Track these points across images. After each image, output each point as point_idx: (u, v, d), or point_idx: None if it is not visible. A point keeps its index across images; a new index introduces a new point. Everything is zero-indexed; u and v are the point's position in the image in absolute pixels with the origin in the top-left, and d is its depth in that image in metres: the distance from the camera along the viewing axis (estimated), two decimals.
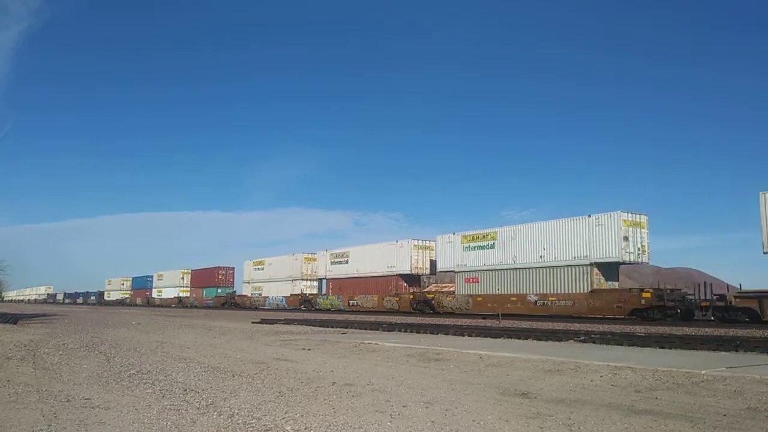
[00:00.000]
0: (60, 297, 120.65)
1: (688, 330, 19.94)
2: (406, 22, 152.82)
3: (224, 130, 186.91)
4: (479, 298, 33.79)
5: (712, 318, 24.17)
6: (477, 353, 12.27)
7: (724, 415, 6.25)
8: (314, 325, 25.36)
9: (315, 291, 49.60)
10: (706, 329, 20.12)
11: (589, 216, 29.00)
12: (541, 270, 30.21)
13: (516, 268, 31.67)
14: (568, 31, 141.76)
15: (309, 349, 14.05)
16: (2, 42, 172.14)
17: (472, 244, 34.75)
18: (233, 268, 64.36)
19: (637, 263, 29.41)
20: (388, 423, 6.02)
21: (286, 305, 50.48)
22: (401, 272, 39.50)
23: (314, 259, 49.59)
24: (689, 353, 12.80)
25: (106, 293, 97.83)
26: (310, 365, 10.93)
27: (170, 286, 73.36)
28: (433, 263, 39.15)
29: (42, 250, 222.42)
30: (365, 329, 22.69)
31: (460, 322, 26.24)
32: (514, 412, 6.50)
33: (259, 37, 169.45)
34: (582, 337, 16.81)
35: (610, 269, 28.85)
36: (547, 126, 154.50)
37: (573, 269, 28.83)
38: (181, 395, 7.68)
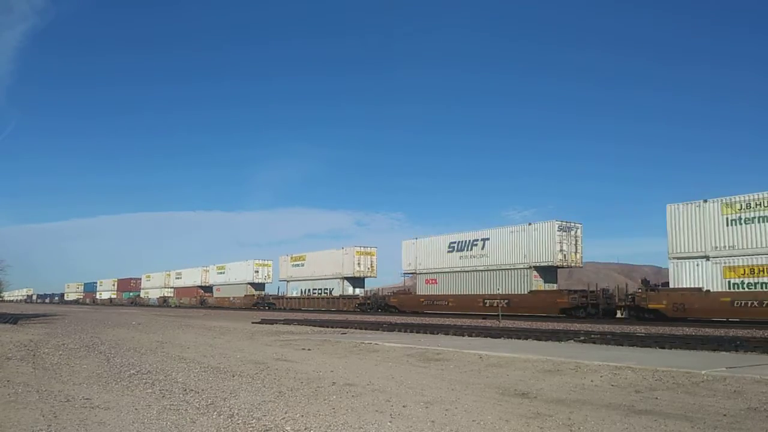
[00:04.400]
0: (34, 298, 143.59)
1: (688, 330, 19.94)
2: (408, 23, 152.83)
3: (226, 130, 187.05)
4: (216, 298, 66.91)
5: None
6: (477, 353, 12.27)
7: (724, 415, 6.24)
8: (314, 326, 25.36)
9: (171, 295, 79.21)
10: (707, 329, 20.13)
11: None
12: (228, 286, 65.22)
13: (230, 284, 64.74)
14: (568, 32, 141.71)
15: (309, 349, 14.05)
16: (6, 41, 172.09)
17: (217, 271, 68.16)
18: (140, 278, 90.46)
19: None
20: (388, 423, 6.01)
21: (157, 303, 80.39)
22: (199, 285, 71.96)
23: (170, 275, 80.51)
24: (689, 353, 12.80)
25: (65, 294, 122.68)
26: (310, 365, 10.92)
27: (106, 290, 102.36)
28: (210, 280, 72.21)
29: (43, 250, 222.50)
30: (365, 329, 22.68)
31: (459, 322, 26.26)
32: (514, 412, 6.50)
33: (261, 38, 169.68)
34: (582, 337, 16.81)
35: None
36: (547, 127, 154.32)
37: (240, 287, 61.71)
38: (181, 395, 7.68)
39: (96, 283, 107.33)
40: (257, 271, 60.17)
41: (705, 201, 24.60)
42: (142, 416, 6.37)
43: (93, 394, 7.76)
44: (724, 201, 23.81)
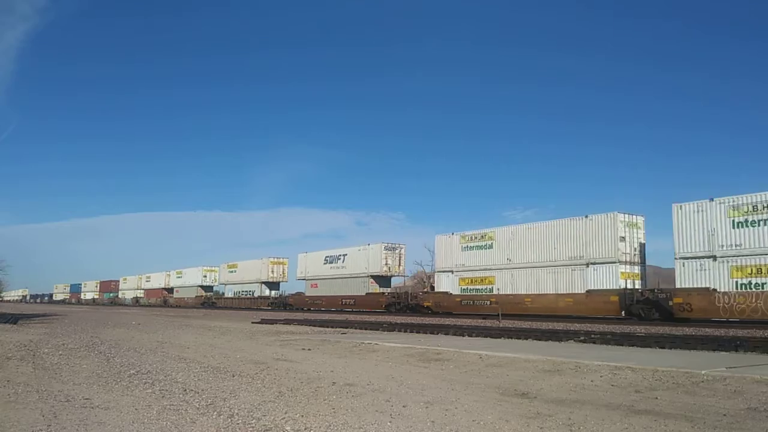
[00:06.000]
0: (28, 298, 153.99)
1: (688, 330, 19.94)
2: (406, 28, 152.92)
3: (227, 129, 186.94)
4: (176, 298, 76.83)
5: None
6: (477, 353, 12.27)
7: (724, 415, 6.24)
8: (314, 325, 25.37)
9: (142, 296, 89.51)
10: (707, 329, 20.12)
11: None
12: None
13: (185, 287, 76.43)
14: (565, 38, 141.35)
15: (309, 349, 14.05)
16: (8, 42, 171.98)
17: (176, 276, 78.81)
18: (118, 281, 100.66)
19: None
20: (388, 423, 6.02)
21: (131, 303, 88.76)
22: (163, 287, 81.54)
23: (141, 279, 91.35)
24: (689, 353, 12.80)
25: (54, 295, 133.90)
26: (310, 365, 10.92)
27: (90, 291, 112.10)
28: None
29: (42, 251, 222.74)
30: (365, 329, 22.69)
31: (460, 322, 26.26)
32: (514, 412, 6.50)
33: (263, 42, 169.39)
34: (582, 337, 16.81)
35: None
36: (548, 129, 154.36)
37: (192, 289, 73.59)
38: (181, 395, 7.68)
39: (81, 284, 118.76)
40: (205, 276, 72.78)
41: (453, 234, 36.42)
42: (142, 416, 6.37)
43: (93, 394, 7.76)
44: (461, 234, 35.92)
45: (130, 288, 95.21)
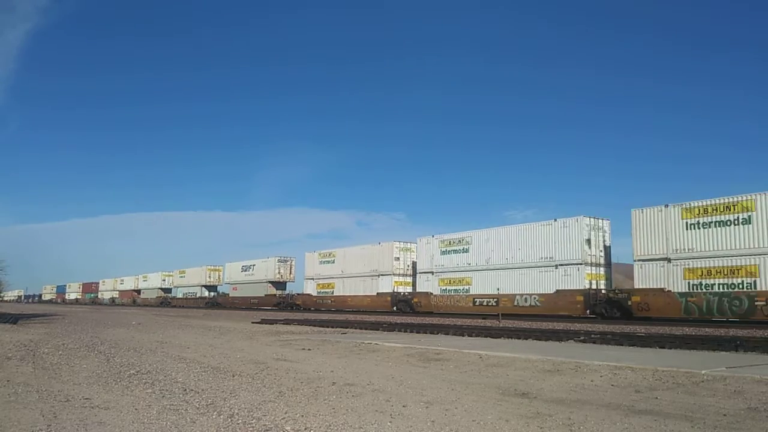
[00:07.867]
0: (23, 298, 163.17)
1: (688, 330, 19.94)
2: (411, 47, 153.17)
3: (230, 131, 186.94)
4: (142, 299, 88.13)
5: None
6: (477, 353, 12.28)
7: (724, 415, 6.25)
8: (314, 326, 25.37)
9: (117, 296, 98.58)
10: (707, 329, 20.13)
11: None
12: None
13: (149, 288, 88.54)
14: (560, 54, 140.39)
15: (309, 349, 14.05)
16: (8, 41, 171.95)
17: (143, 280, 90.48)
18: (98, 282, 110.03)
19: None
20: (388, 423, 6.02)
21: (108, 303, 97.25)
22: (133, 289, 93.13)
23: (117, 281, 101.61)
24: (689, 353, 12.80)
25: (43, 295, 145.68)
26: (310, 365, 10.93)
27: (73, 291, 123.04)
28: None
29: (42, 251, 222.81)
30: (365, 329, 22.69)
31: (460, 322, 26.26)
32: (514, 412, 6.50)
33: (270, 56, 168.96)
34: (582, 337, 16.81)
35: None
36: (547, 136, 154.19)
37: (154, 290, 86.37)
38: (181, 395, 7.68)
39: (66, 285, 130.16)
40: (164, 280, 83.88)
41: (314, 251, 49.83)
42: (142, 416, 6.37)
43: (93, 394, 7.76)
44: (318, 252, 49.23)
45: (108, 289, 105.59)
